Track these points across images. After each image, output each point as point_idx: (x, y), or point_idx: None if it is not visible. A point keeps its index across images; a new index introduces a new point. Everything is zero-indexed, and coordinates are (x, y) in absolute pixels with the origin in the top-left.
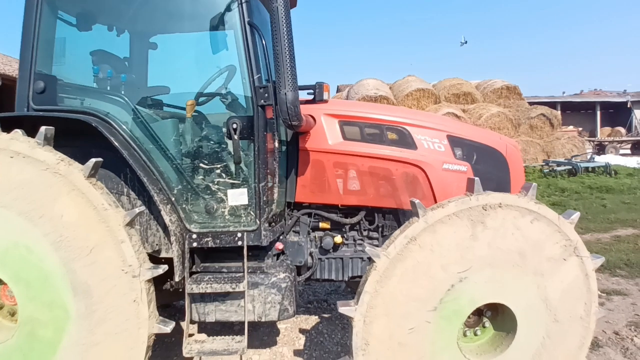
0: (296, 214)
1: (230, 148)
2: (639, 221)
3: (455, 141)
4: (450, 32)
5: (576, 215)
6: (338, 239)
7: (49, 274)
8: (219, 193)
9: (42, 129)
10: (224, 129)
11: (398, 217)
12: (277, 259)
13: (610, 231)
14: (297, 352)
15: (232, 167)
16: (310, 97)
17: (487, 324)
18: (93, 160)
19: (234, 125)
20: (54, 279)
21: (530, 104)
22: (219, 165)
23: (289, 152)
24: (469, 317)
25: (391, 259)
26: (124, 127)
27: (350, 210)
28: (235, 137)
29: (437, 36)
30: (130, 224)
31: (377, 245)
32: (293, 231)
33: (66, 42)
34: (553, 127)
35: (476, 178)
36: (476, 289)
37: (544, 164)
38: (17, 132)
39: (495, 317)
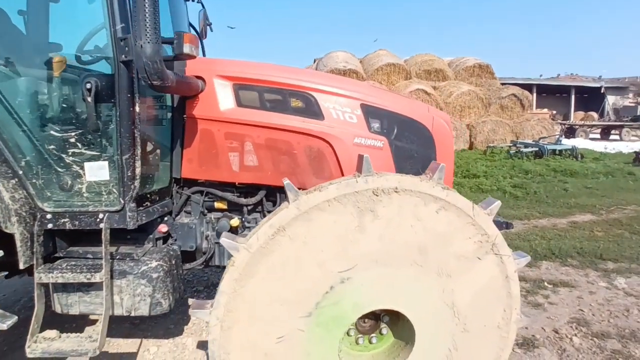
0: (186, 192)
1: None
2: (598, 207)
3: (371, 111)
4: (430, 7)
5: (496, 205)
6: (235, 221)
7: None
8: (75, 166)
9: None
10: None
11: None
12: (164, 243)
13: (567, 216)
14: (201, 344)
15: (91, 136)
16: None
17: (385, 330)
18: None
19: (88, 85)
20: None
21: (505, 84)
22: (73, 134)
23: (174, 120)
24: (364, 321)
25: (253, 253)
26: None
27: (249, 189)
28: (89, 99)
29: (414, 10)
30: None
31: None
32: (185, 212)
33: None
34: (524, 108)
35: (366, 155)
36: (362, 292)
37: (511, 144)
38: None
39: (396, 322)
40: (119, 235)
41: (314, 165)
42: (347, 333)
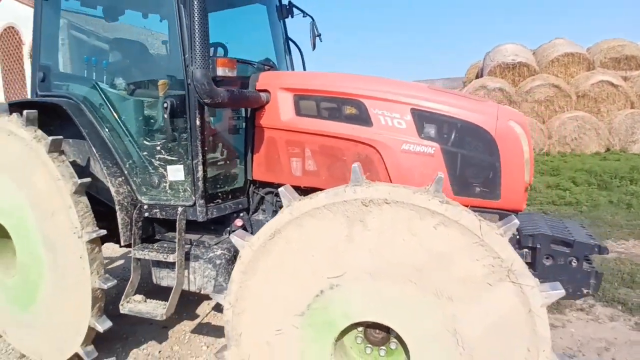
0: (260, 193)
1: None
2: None
3: (422, 116)
4: None
5: (512, 224)
6: None
7: (30, 229)
8: (161, 169)
9: (25, 112)
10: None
11: None
12: None
13: None
14: None
15: (171, 145)
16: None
17: (395, 345)
18: (50, 138)
19: (165, 105)
20: (34, 234)
21: None
22: (159, 143)
23: (247, 129)
24: (375, 331)
25: (254, 251)
26: (91, 108)
27: (311, 193)
28: (165, 116)
29: None
30: (77, 192)
31: None
32: (261, 209)
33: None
34: None
35: (356, 163)
36: (351, 301)
37: None
38: (14, 115)
39: None
40: (205, 226)
41: (363, 171)
42: (355, 340)
